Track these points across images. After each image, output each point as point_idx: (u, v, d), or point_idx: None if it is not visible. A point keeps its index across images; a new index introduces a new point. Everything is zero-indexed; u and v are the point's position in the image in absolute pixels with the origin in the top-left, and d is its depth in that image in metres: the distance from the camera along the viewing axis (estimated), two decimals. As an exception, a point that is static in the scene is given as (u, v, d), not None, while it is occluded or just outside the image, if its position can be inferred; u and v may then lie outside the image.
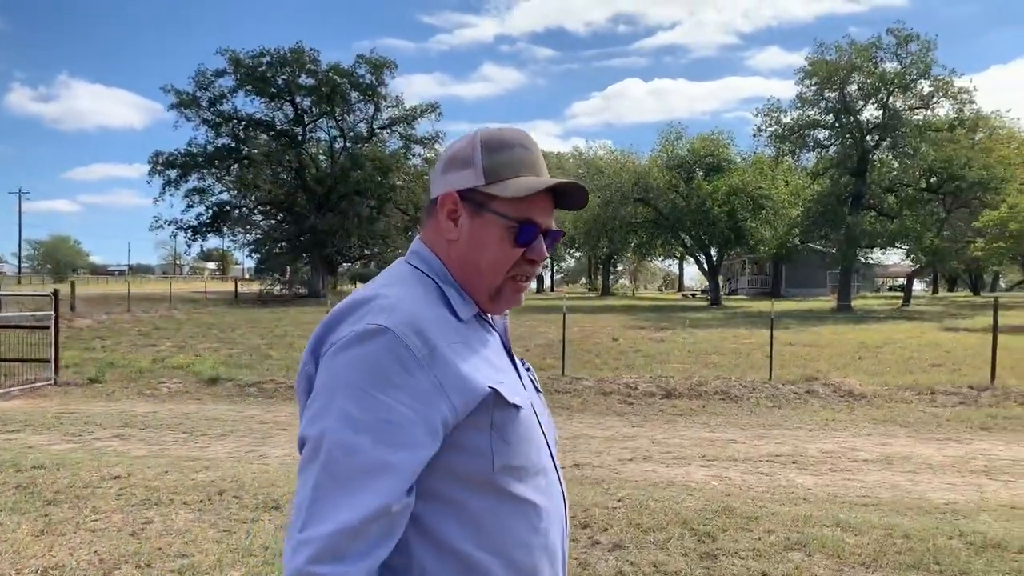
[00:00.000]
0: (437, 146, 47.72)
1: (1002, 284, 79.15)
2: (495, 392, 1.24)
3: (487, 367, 1.28)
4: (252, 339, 18.99)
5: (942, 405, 10.36)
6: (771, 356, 12.27)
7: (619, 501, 5.86)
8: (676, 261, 78.54)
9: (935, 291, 67.21)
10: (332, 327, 1.24)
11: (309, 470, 1.15)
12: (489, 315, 1.41)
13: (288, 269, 46.83)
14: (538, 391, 1.48)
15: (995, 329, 11.83)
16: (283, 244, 45.43)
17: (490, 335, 1.38)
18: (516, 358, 1.45)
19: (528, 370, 1.49)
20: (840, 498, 6.30)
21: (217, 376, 11.70)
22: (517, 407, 1.27)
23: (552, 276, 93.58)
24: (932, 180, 35.14)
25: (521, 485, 1.27)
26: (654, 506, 5.69)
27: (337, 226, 41.14)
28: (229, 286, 48.66)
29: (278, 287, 44.55)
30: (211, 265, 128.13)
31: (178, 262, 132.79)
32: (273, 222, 49.02)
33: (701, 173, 39.40)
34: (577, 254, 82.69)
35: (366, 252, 54.66)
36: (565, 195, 1.39)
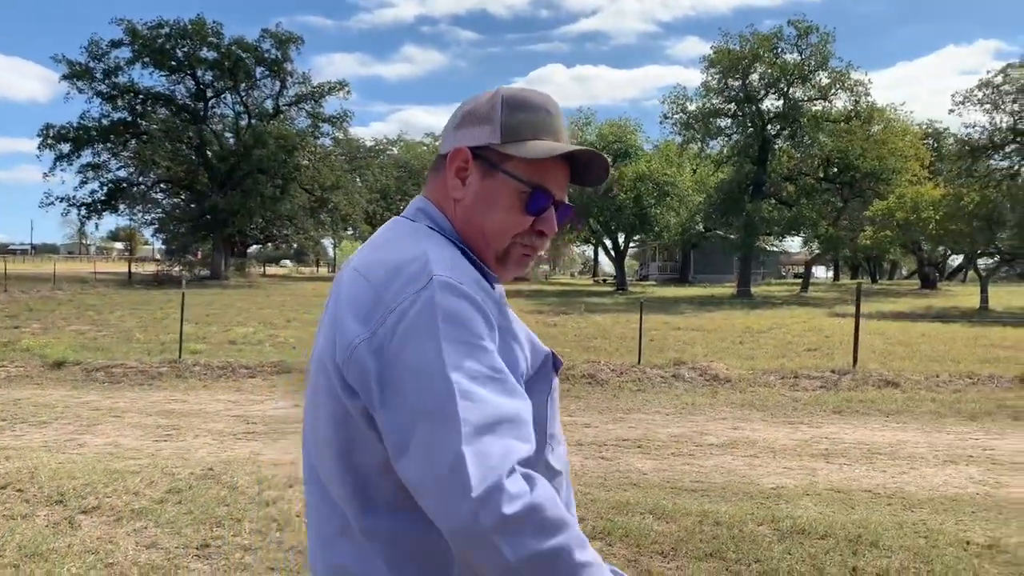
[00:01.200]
0: (346, 125, 46.87)
1: (903, 272, 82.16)
2: (552, 355, 1.21)
3: (526, 329, 1.23)
4: (128, 322, 18.16)
5: (803, 389, 10.47)
6: (640, 340, 12.24)
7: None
8: (592, 247, 79.24)
9: (836, 278, 69.38)
10: (384, 289, 1.12)
11: (440, 436, 0.99)
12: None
13: (199, 250, 45.31)
14: None
15: (857, 315, 12.06)
16: (186, 224, 43.90)
17: (504, 300, 1.29)
18: None
19: None
20: (671, 483, 6.20)
21: (64, 359, 11.03)
22: (556, 369, 1.23)
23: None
24: (830, 170, 36.08)
25: (553, 455, 1.23)
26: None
27: (239, 205, 39.89)
28: (132, 267, 46.73)
29: (177, 268, 43.00)
30: (119, 245, 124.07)
31: (84, 242, 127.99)
32: (177, 201, 47.39)
33: (609, 159, 39.51)
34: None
35: (275, 233, 53.47)
36: (584, 169, 1.30)
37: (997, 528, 5.01)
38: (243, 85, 43.62)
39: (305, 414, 1.27)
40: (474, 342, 1.06)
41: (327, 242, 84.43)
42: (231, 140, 45.00)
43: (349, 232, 55.68)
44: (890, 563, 4.30)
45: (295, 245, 78.37)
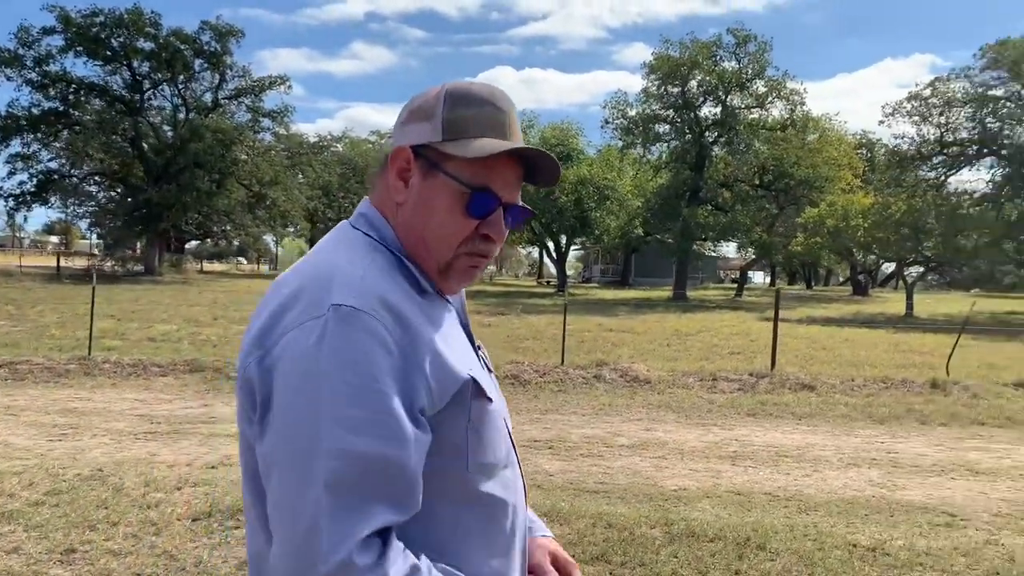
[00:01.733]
0: (287, 120, 46.16)
1: (841, 278, 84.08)
2: (473, 381, 1.10)
3: (458, 351, 1.13)
4: (48, 317, 17.58)
5: (721, 391, 10.58)
6: (563, 341, 12.26)
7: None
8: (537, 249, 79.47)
9: (772, 283, 70.69)
10: (285, 309, 1.05)
11: (302, 493, 0.96)
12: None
13: (137, 244, 44.16)
14: (490, 371, 1.31)
15: (776, 320, 12.25)
16: (121, 218, 42.76)
17: (449, 312, 1.20)
18: (472, 337, 1.28)
19: (479, 349, 1.30)
20: (575, 485, 6.18)
21: (-36, 356, 10.60)
22: (489, 399, 1.13)
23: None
24: (765, 177, 36.73)
25: (491, 483, 1.15)
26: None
27: (174, 200, 38.94)
28: (66, 261, 45.29)
29: (109, 263, 41.84)
30: (54, 239, 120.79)
31: (18, 235, 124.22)
32: (112, 194, 46.18)
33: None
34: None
35: (213, 229, 52.40)
36: (535, 169, 1.20)
37: (884, 531, 5.09)
38: (181, 77, 42.60)
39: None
40: (360, 382, 0.99)
41: (269, 239, 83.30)
42: (169, 133, 43.97)
43: (290, 229, 54.79)
44: (773, 566, 4.33)
45: (236, 242, 77.14)
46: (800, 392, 10.54)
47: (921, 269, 32.40)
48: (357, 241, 1.16)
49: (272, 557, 1.00)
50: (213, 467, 6.28)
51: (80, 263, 43.96)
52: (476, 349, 1.27)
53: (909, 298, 28.70)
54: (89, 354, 10.91)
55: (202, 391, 9.58)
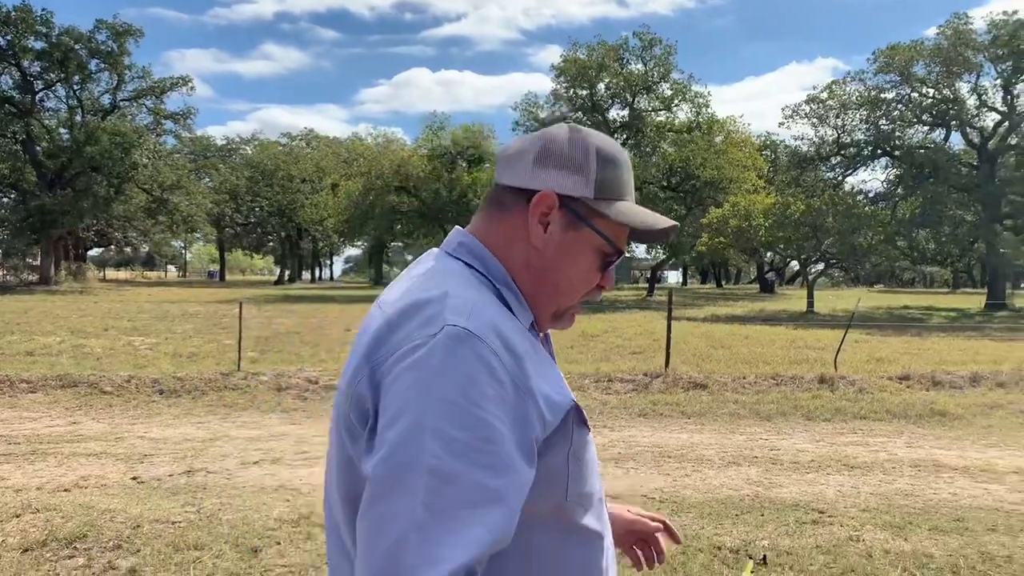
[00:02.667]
0: (190, 122, 44.82)
1: (751, 277, 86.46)
2: (576, 408, 1.12)
3: (559, 379, 1.15)
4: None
5: (615, 392, 10.59)
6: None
7: (197, 513, 5.23)
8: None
9: (684, 283, 72.14)
10: (395, 327, 1.06)
11: (397, 505, 0.94)
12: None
13: (37, 254, 42.10)
14: None
15: (669, 320, 12.36)
16: (15, 225, 40.74)
17: (538, 343, 1.19)
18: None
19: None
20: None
21: None
22: (588, 427, 1.16)
23: (331, 266, 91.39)
24: (672, 179, 37.37)
25: (588, 515, 1.16)
26: (230, 517, 5.12)
27: (69, 206, 37.34)
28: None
29: (1, 272, 39.89)
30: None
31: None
32: (6, 200, 44.02)
33: (464, 164, 39.60)
34: (359, 243, 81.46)
35: (117, 236, 50.50)
36: (647, 232, 1.25)
37: (752, 531, 5.09)
38: (76, 78, 40.98)
39: (328, 455, 1.20)
40: (467, 406, 0.97)
41: (178, 245, 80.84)
42: (66, 136, 42.16)
43: (196, 235, 53.18)
44: (633, 572, 4.24)
45: (145, 248, 74.57)
46: (692, 391, 10.63)
47: (821, 267, 33.39)
48: (462, 270, 1.16)
49: (357, 565, 0.97)
50: (66, 490, 5.91)
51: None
52: None
53: (810, 295, 29.57)
54: (-51, 371, 10.24)
55: (72, 408, 9.07)
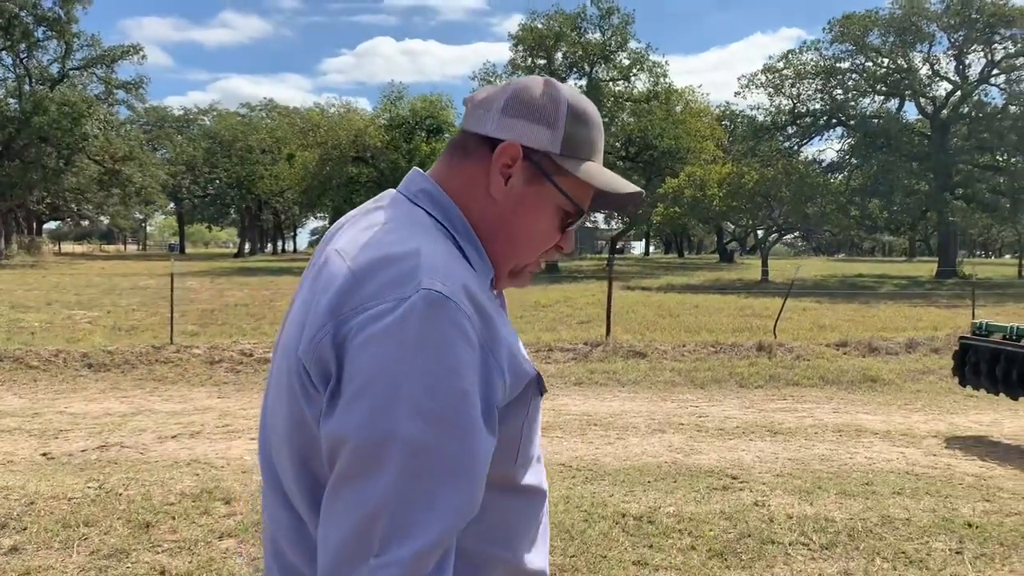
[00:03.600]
0: (142, 91, 43.81)
1: (714, 247, 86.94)
2: (537, 377, 1.09)
3: (518, 343, 1.11)
4: None
5: (554, 361, 10.58)
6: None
7: (99, 488, 5.11)
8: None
9: (646, 253, 72.49)
10: (360, 281, 0.98)
11: (371, 479, 0.91)
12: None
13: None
14: None
15: (609, 288, 12.38)
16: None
17: (499, 300, 1.20)
18: None
19: None
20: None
21: None
22: (542, 392, 1.11)
23: (295, 238, 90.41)
24: (631, 149, 37.33)
25: (530, 474, 1.14)
26: (131, 493, 5.01)
27: (18, 178, 36.38)
28: None
29: (-53, 247, 38.85)
30: None
31: None
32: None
33: (423, 134, 39.16)
34: (320, 214, 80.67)
35: (72, 208, 49.41)
36: (610, 197, 1.21)
37: (661, 497, 5.09)
38: (22, 46, 39.76)
39: (264, 406, 1.16)
40: (444, 375, 0.93)
41: (138, 217, 79.44)
42: (15, 106, 40.99)
43: (152, 207, 52.21)
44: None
45: (105, 221, 73.14)
46: (631, 359, 10.65)
47: (775, 236, 33.66)
48: (424, 221, 1.10)
49: (323, 539, 0.94)
50: (-31, 467, 5.75)
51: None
52: None
53: (764, 264, 29.81)
54: None
55: (-6, 383, 8.86)
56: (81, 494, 4.94)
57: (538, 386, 1.10)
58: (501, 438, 1.03)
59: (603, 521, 4.57)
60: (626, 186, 1.18)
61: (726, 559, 4.02)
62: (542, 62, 35.79)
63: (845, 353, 11.33)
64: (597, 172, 1.16)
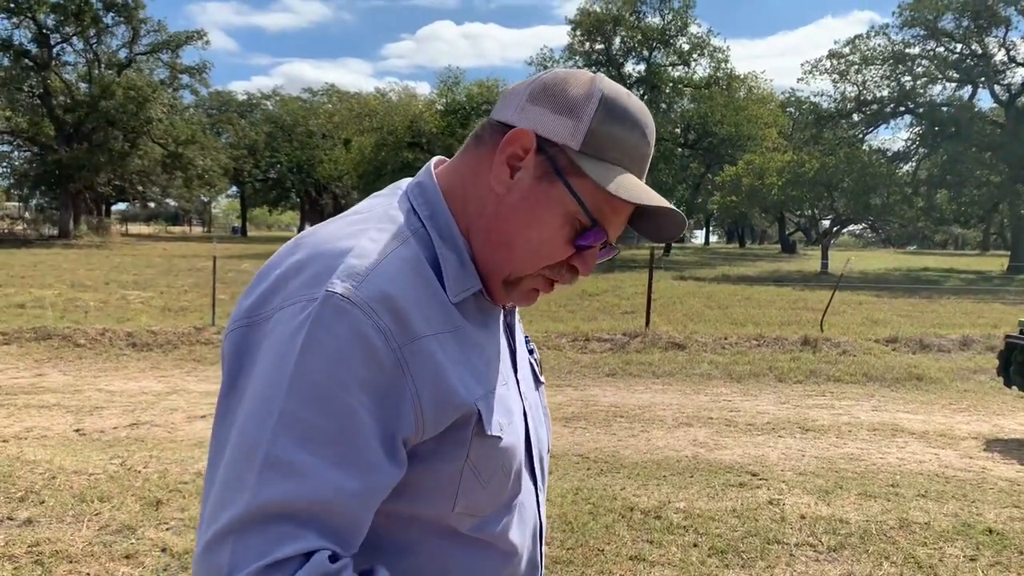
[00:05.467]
0: (206, 75, 44.78)
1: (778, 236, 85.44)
2: (478, 417, 0.94)
3: (479, 369, 0.97)
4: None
5: (591, 351, 10.49)
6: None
7: (120, 466, 5.24)
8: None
9: (706, 243, 71.54)
10: (288, 278, 0.90)
11: (223, 493, 0.84)
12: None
13: (45, 208, 42.66)
14: (539, 383, 1.20)
15: (650, 278, 12.18)
16: (31, 179, 41.23)
17: (488, 315, 1.04)
18: (520, 343, 1.15)
19: (532, 352, 1.20)
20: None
21: None
22: (498, 436, 0.97)
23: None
24: (689, 135, 36.78)
25: (485, 524, 1.00)
26: (150, 470, 5.12)
27: (85, 160, 37.54)
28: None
29: (21, 226, 40.38)
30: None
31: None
32: (29, 154, 44.47)
33: (479, 120, 39.21)
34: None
35: (139, 189, 50.84)
36: (650, 221, 1.04)
37: (674, 492, 5.00)
38: (92, 31, 40.94)
39: None
40: (331, 389, 0.84)
41: (203, 199, 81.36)
42: (85, 90, 42.27)
43: (214, 189, 53.39)
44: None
45: (172, 203, 75.16)
46: (669, 351, 10.50)
47: (836, 227, 32.83)
48: (398, 216, 0.98)
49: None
50: (4, 441, 5.96)
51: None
52: (514, 361, 1.11)
53: (824, 256, 29.12)
54: (-72, 322, 10.37)
55: (42, 360, 9.15)
56: (102, 470, 5.07)
57: (479, 426, 0.95)
58: (427, 478, 0.94)
59: (609, 514, 4.51)
60: (655, 199, 0.98)
61: (726, 557, 3.92)
62: (600, 47, 35.47)
63: (894, 349, 10.99)
64: (624, 181, 0.96)
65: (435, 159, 1.08)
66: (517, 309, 1.17)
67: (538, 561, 1.14)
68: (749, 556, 3.96)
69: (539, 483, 1.14)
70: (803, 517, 4.55)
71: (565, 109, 0.97)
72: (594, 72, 1.02)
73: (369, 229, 0.96)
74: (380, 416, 0.87)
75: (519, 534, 1.06)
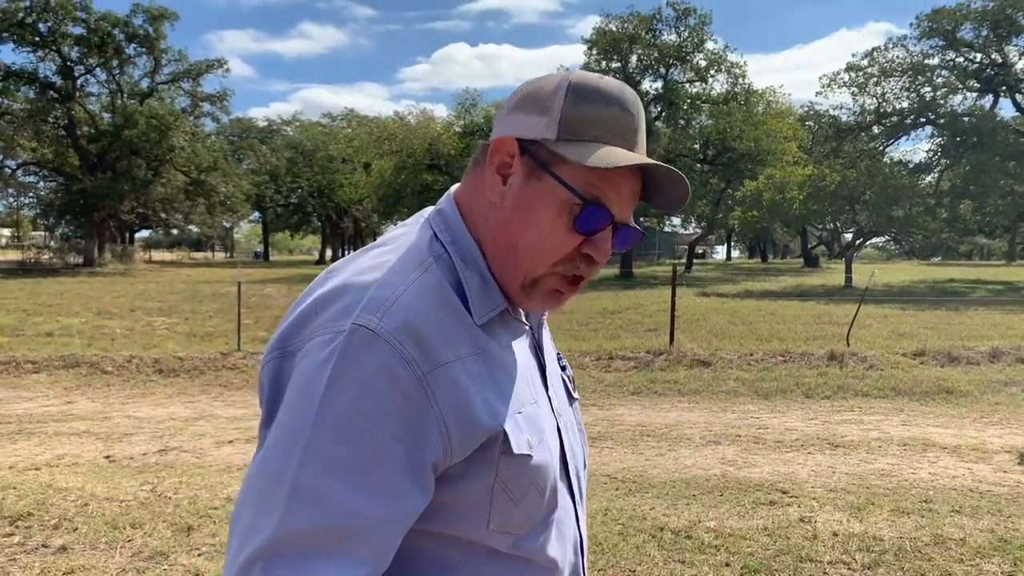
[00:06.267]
0: (226, 103, 45.32)
1: (798, 251, 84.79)
2: (504, 437, 0.95)
3: (506, 391, 0.98)
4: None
5: (615, 370, 10.45)
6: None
7: (151, 492, 5.27)
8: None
9: (728, 258, 71.16)
10: (319, 309, 0.94)
11: (251, 524, 0.86)
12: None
13: (71, 236, 43.26)
14: (573, 400, 1.21)
15: (673, 295, 12.11)
16: (60, 208, 41.85)
17: (515, 335, 1.06)
18: (550, 359, 1.16)
19: (564, 369, 1.21)
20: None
21: None
22: (528, 455, 0.98)
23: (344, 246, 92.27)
24: (708, 151, 36.70)
25: (522, 541, 1.01)
26: (180, 496, 5.15)
27: (108, 189, 38.04)
28: (15, 255, 44.20)
29: (47, 255, 40.88)
30: (6, 232, 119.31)
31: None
32: (54, 184, 45.21)
33: (494, 142, 39.34)
34: (398, 221, 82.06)
35: (162, 216, 51.43)
36: (657, 188, 1.04)
37: (704, 511, 4.96)
38: (114, 62, 41.64)
39: None
40: (357, 421, 0.86)
41: (225, 225, 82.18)
42: (109, 120, 42.96)
43: (236, 216, 53.94)
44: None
45: (195, 229, 75.93)
46: (694, 368, 10.44)
47: (859, 240, 32.57)
48: (420, 244, 1.01)
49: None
50: (36, 468, 6.02)
51: (15, 256, 42.89)
52: (545, 378, 1.12)
53: (848, 269, 28.89)
54: (-40, 352, 10.52)
55: (71, 387, 9.25)
56: (133, 496, 5.10)
57: (505, 445, 0.96)
58: (458, 500, 0.96)
59: (639, 535, 4.48)
60: (637, 159, 0.98)
61: (759, 578, 3.88)
62: (616, 65, 35.51)
63: (922, 363, 10.86)
64: (605, 152, 0.97)
65: (454, 187, 1.10)
66: (547, 327, 1.18)
67: (581, 575, 1.14)
68: (782, 575, 3.91)
69: (577, 498, 1.14)
70: (835, 534, 4.49)
71: (538, 108, 1.00)
72: (570, 72, 1.05)
73: (393, 260, 0.98)
74: (407, 443, 0.89)
75: (559, 549, 1.07)
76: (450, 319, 0.95)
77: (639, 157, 0.99)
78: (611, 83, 1.03)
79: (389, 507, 0.88)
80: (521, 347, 1.07)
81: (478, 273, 1.01)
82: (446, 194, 1.09)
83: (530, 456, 0.99)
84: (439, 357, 0.91)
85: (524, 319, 1.10)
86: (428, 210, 1.10)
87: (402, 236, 1.04)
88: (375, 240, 1.09)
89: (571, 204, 0.98)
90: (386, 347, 0.88)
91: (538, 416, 1.04)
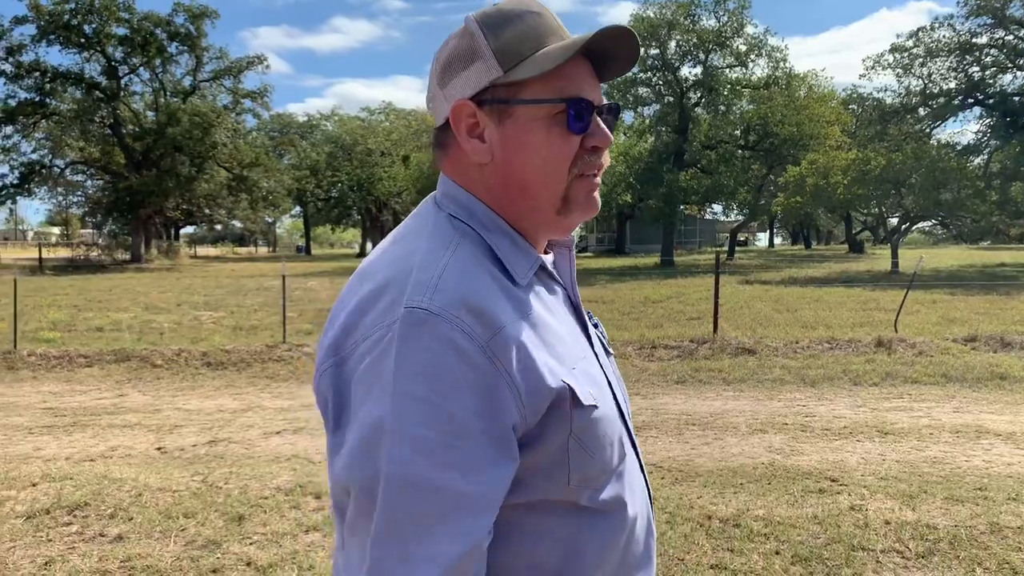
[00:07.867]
0: (267, 99, 45.84)
1: (843, 237, 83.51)
2: (571, 392, 0.97)
3: (558, 349, 1.00)
4: None
5: (658, 359, 10.38)
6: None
7: (202, 482, 5.37)
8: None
9: (770, 245, 70.27)
10: (364, 311, 0.95)
11: (371, 522, 0.88)
12: (554, 264, 1.12)
13: (118, 233, 44.19)
14: (608, 354, 1.22)
15: (716, 283, 11.99)
16: (106, 206, 42.75)
17: (554, 294, 1.09)
18: (584, 316, 1.16)
19: (596, 326, 1.21)
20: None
21: None
22: (594, 405, 1.00)
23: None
24: (750, 137, 36.24)
25: (601, 493, 1.04)
26: (231, 486, 5.24)
27: (153, 186, 38.76)
28: (55, 252, 45.21)
29: (96, 252, 41.78)
30: (56, 230, 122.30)
31: (21, 227, 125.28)
32: (101, 182, 46.20)
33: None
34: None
35: (206, 212, 52.25)
36: (605, 60, 1.05)
37: (752, 500, 4.91)
38: (157, 61, 42.35)
39: None
40: (433, 399, 0.87)
41: (268, 220, 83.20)
42: (153, 118, 43.73)
43: (278, 210, 54.57)
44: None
45: (238, 225, 77.03)
46: (739, 357, 10.33)
47: (905, 225, 31.94)
48: (441, 225, 1.03)
49: None
50: (91, 460, 6.16)
51: (64, 253, 43.87)
52: (586, 331, 1.14)
53: (894, 254, 28.35)
54: (15, 347, 10.77)
55: (122, 381, 9.44)
56: (185, 487, 5.20)
57: (574, 399, 0.97)
58: (538, 460, 0.97)
59: (687, 523, 4.45)
60: (580, 40, 0.99)
61: (810, 565, 3.83)
62: (655, 51, 35.20)
63: (973, 348, 10.63)
64: (550, 53, 1.00)
65: (442, 174, 1.11)
66: (578, 287, 1.18)
67: (651, 523, 1.17)
68: (834, 564, 3.86)
69: (637, 449, 1.17)
70: (887, 523, 4.42)
71: (468, 60, 1.02)
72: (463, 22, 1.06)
73: (423, 245, 0.99)
74: (486, 413, 0.90)
75: (632, 498, 1.09)
76: (494, 286, 0.97)
77: (580, 38, 1.00)
78: (509, 2, 1.05)
79: (480, 478, 0.89)
80: (561, 307, 1.09)
81: (506, 235, 1.04)
82: (440, 179, 1.10)
83: (596, 406, 1.01)
84: (495, 323, 0.92)
85: (557, 277, 1.12)
86: (428, 199, 1.11)
87: (418, 226, 1.06)
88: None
89: (553, 113, 1.01)
90: (443, 323, 0.89)
91: (591, 370, 1.06)
